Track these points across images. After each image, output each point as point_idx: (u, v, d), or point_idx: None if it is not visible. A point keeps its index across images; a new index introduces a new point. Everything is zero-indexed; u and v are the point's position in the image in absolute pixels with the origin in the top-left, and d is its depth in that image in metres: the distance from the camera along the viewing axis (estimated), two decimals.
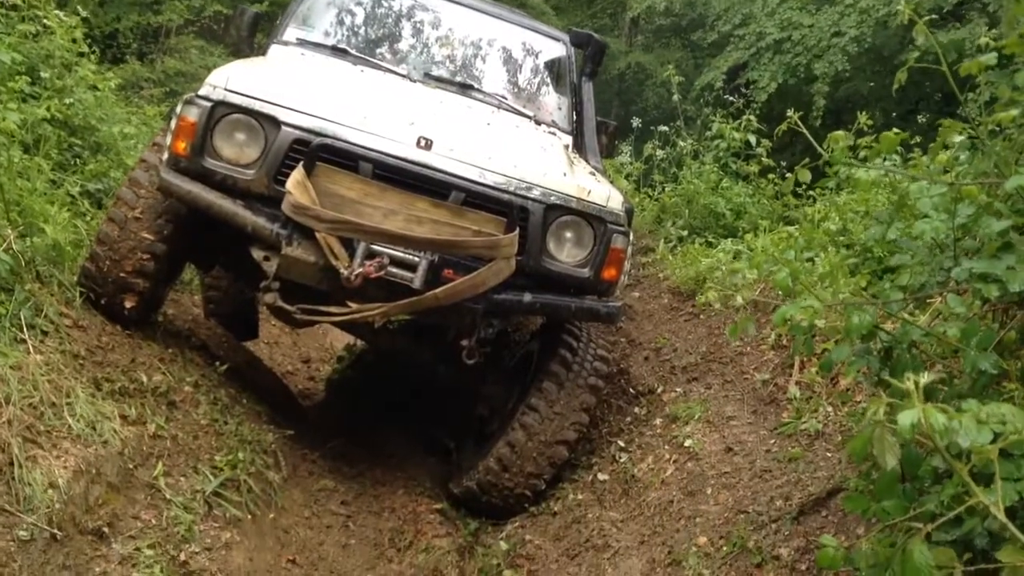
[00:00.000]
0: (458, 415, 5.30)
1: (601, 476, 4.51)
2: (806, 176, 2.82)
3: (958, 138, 2.93)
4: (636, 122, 10.34)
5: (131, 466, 3.54)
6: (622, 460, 4.53)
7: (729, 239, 6.76)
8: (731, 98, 9.79)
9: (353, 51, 5.02)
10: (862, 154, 3.15)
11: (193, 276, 6.28)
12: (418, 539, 4.26)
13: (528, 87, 5.55)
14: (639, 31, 21.36)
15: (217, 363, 4.68)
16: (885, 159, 4.63)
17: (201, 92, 3.95)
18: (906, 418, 1.74)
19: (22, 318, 3.62)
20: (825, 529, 3.22)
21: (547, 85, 5.64)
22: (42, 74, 5.81)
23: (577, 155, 5.01)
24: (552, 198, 4.11)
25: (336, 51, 4.98)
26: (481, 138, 4.32)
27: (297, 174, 3.81)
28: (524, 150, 4.41)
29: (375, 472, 4.99)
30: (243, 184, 3.94)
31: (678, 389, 4.95)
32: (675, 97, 9.66)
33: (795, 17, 12.47)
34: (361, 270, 3.83)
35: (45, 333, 3.73)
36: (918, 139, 5.86)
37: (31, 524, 2.94)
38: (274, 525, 4.04)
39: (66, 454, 3.25)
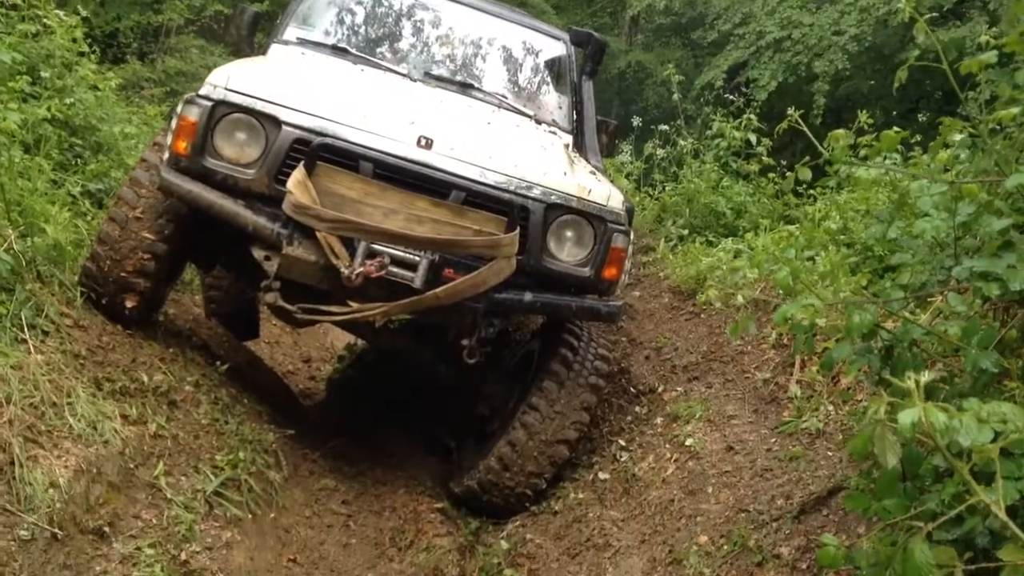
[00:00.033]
0: (459, 414, 5.31)
1: (602, 475, 4.51)
2: (806, 174, 2.82)
3: (958, 136, 2.93)
4: (636, 121, 10.35)
5: (132, 465, 3.54)
6: (623, 459, 4.53)
7: (730, 238, 6.76)
8: (731, 97, 9.79)
9: (353, 50, 5.01)
10: (862, 153, 3.15)
11: (194, 276, 6.29)
12: (419, 538, 4.26)
13: (528, 86, 5.55)
14: (639, 30, 21.36)
15: (218, 363, 4.68)
16: (885, 158, 4.63)
17: (202, 92, 3.95)
18: (907, 417, 1.74)
19: (23, 318, 3.62)
20: (826, 528, 3.22)
21: (547, 84, 5.64)
22: (42, 74, 5.81)
23: (577, 154, 5.01)
24: (553, 197, 4.11)
25: (336, 50, 4.98)
26: (481, 137, 4.32)
27: (298, 173, 3.81)
28: (524, 149, 4.41)
29: (376, 471, 4.99)
30: (244, 184, 3.94)
31: (679, 388, 4.95)
32: (675, 96, 9.67)
33: (795, 16, 12.47)
34: (362, 269, 3.83)
35: (46, 333, 3.73)
36: (918, 138, 5.87)
37: (32, 523, 2.94)
38: (275, 524, 4.04)
39: (67, 454, 3.26)
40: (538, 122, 5.12)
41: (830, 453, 3.73)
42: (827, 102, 11.70)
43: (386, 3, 5.56)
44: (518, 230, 3.97)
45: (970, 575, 1.96)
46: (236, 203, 3.92)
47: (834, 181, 6.25)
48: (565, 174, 4.22)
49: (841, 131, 2.83)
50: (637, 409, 4.96)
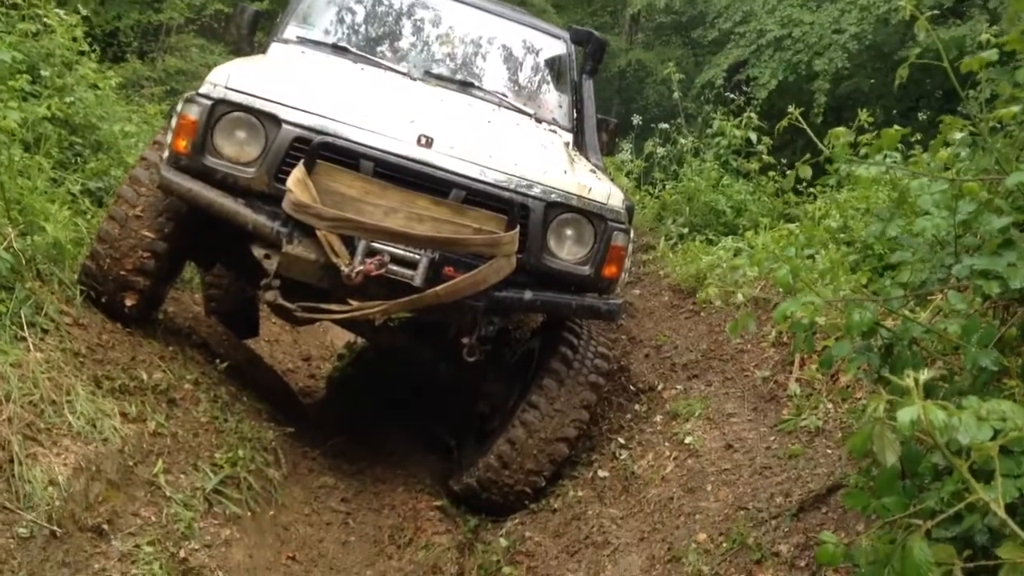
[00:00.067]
0: (459, 413, 5.31)
1: (601, 473, 4.51)
2: (807, 172, 2.82)
3: (959, 135, 2.93)
4: (636, 120, 10.34)
5: (131, 463, 3.54)
6: (622, 457, 4.53)
7: (730, 236, 6.76)
8: (732, 95, 9.79)
9: (353, 49, 5.01)
10: (863, 151, 3.15)
11: (194, 274, 6.29)
12: (418, 536, 4.26)
13: (528, 85, 5.55)
14: (639, 28, 21.37)
15: (217, 361, 4.68)
16: (886, 156, 4.63)
17: (202, 90, 3.95)
18: (906, 415, 1.74)
19: (22, 316, 3.63)
20: (825, 526, 3.22)
21: (547, 83, 5.64)
22: (43, 73, 5.81)
23: (578, 153, 5.02)
24: (553, 196, 4.11)
25: (336, 49, 4.97)
26: (482, 136, 4.32)
27: (298, 172, 3.81)
28: (525, 148, 4.41)
29: (375, 469, 4.99)
30: (244, 182, 3.94)
31: (678, 386, 4.95)
32: (676, 95, 9.67)
33: (796, 14, 12.48)
34: (362, 268, 3.83)
35: (45, 331, 3.73)
36: (919, 136, 5.86)
37: (31, 521, 2.94)
38: (274, 522, 4.04)
39: (66, 451, 3.26)
40: (538, 121, 5.12)
41: (829, 451, 3.73)
42: (827, 100, 11.70)
43: (386, 2, 5.56)
44: (518, 228, 3.97)
45: (969, 573, 1.96)
46: (236, 201, 3.92)
47: (834, 179, 6.24)
48: (565, 172, 4.22)
49: (841, 129, 2.84)
50: (637, 407, 4.96)
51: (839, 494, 3.27)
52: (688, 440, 4.30)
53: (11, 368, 3.32)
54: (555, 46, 5.72)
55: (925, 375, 1.81)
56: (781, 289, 2.75)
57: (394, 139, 3.95)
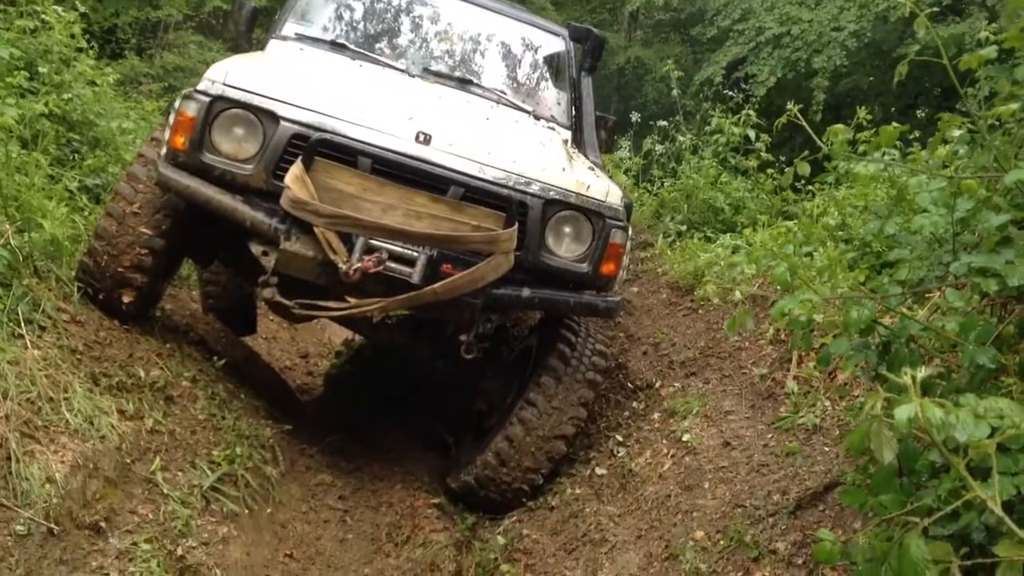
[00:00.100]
0: (456, 410, 5.31)
1: (599, 471, 4.51)
2: (805, 169, 2.82)
3: (957, 132, 2.93)
4: (635, 117, 10.32)
5: (128, 461, 3.54)
6: (620, 455, 4.54)
7: (728, 234, 6.76)
8: (730, 93, 9.78)
9: (352, 46, 5.01)
10: (861, 149, 3.15)
11: (191, 271, 6.28)
12: (416, 534, 4.26)
13: (527, 82, 5.55)
14: (638, 26, 21.37)
15: (215, 358, 4.68)
16: (884, 153, 4.63)
17: (199, 87, 3.94)
18: (903, 412, 1.74)
19: (20, 313, 3.62)
20: (822, 523, 3.22)
21: (546, 80, 5.64)
22: (40, 69, 5.81)
23: (576, 150, 5.01)
24: (551, 193, 4.11)
25: (335, 46, 4.97)
26: (480, 133, 4.31)
27: (296, 169, 3.80)
28: (523, 145, 4.40)
29: (373, 467, 4.99)
30: (242, 179, 3.93)
31: (676, 384, 4.95)
32: (674, 92, 9.66)
33: (794, 12, 12.48)
34: (360, 265, 3.82)
35: (43, 328, 3.72)
36: (917, 134, 5.87)
37: (28, 519, 2.94)
38: (271, 520, 4.04)
39: (63, 449, 3.25)
40: (537, 118, 5.12)
41: (827, 449, 3.73)
42: (826, 98, 11.71)
43: None
44: (516, 226, 3.97)
45: (966, 571, 1.96)
46: (234, 198, 3.92)
47: (833, 177, 6.24)
48: (564, 170, 4.21)
49: (840, 126, 2.84)
50: (634, 405, 4.96)
51: (836, 492, 3.27)
52: (686, 438, 4.30)
53: (8, 365, 3.32)
54: (554, 43, 5.71)
55: (923, 373, 1.81)
56: (779, 287, 2.75)
57: (392, 136, 3.95)
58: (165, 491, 3.57)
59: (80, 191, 5.40)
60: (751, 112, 8.02)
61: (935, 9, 8.49)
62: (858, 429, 1.99)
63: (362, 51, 5.00)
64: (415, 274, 3.90)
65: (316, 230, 3.84)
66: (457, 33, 5.43)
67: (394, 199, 3.89)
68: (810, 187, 6.77)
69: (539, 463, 4.40)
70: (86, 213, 5.16)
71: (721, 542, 3.47)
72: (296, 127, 3.89)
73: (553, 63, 5.68)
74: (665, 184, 8.29)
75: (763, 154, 7.72)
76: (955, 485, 2.05)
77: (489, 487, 4.44)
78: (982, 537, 2.08)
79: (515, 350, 5.18)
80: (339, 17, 5.38)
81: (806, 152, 2.90)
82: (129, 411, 3.73)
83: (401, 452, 5.24)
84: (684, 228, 7.32)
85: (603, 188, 4.22)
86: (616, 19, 21.71)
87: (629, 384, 5.17)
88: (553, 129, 5.09)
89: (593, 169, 4.57)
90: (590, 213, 4.16)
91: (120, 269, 4.11)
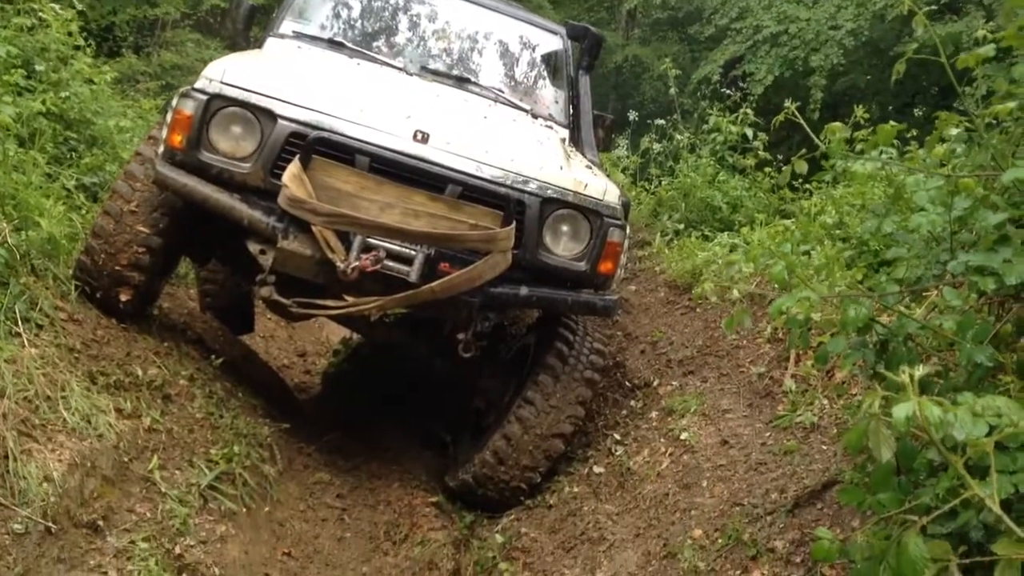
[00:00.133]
0: (454, 408, 5.31)
1: (597, 469, 4.51)
2: (803, 168, 2.82)
3: (955, 131, 2.93)
4: (633, 115, 10.32)
5: (126, 459, 3.53)
6: (618, 453, 4.54)
7: (725, 232, 6.76)
8: (728, 91, 9.78)
9: (349, 44, 5.00)
10: (859, 147, 3.15)
11: (189, 269, 6.28)
12: (414, 532, 4.26)
13: (525, 80, 5.54)
14: (636, 24, 21.37)
15: (213, 357, 4.67)
16: (882, 152, 4.63)
17: (197, 85, 3.93)
18: (901, 411, 1.74)
19: (17, 312, 3.61)
20: (820, 522, 3.23)
21: (544, 78, 5.63)
22: (38, 68, 5.79)
23: (574, 149, 5.01)
24: (549, 192, 4.11)
25: (332, 44, 4.96)
26: (478, 131, 4.31)
27: (293, 167, 3.80)
28: (521, 144, 4.40)
29: (371, 465, 4.99)
30: (239, 177, 3.93)
31: (674, 382, 4.95)
32: (672, 90, 9.65)
33: (792, 10, 12.50)
34: (357, 263, 3.82)
35: (40, 327, 3.72)
36: (915, 132, 5.86)
37: (26, 517, 2.94)
38: (269, 518, 4.04)
39: (61, 447, 3.25)
40: (534, 116, 5.11)
41: (824, 447, 3.73)
42: (824, 96, 11.72)
43: None
44: (514, 224, 3.97)
45: (964, 569, 1.96)
46: (231, 197, 3.91)
47: (830, 175, 6.24)
48: (561, 168, 4.21)
49: (838, 124, 2.83)
50: (632, 403, 4.96)
51: (834, 490, 3.28)
52: (684, 436, 4.30)
53: (5, 364, 3.31)
54: (551, 42, 5.71)
55: (920, 371, 1.82)
56: (777, 285, 2.75)
57: (390, 134, 3.94)
58: (163, 489, 3.57)
59: (77, 189, 5.39)
60: (749, 111, 8.02)
61: (933, 7, 8.49)
62: (856, 427, 1.99)
63: (360, 49, 5.00)
64: (413, 273, 3.89)
65: (314, 228, 3.84)
66: (455, 31, 5.42)
67: (392, 198, 3.89)
68: (808, 186, 6.77)
69: (537, 461, 4.40)
70: (83, 211, 5.15)
71: (719, 540, 3.48)
72: (294, 125, 3.89)
73: (551, 61, 5.67)
74: (663, 183, 8.29)
75: (761, 153, 7.72)
76: (953, 483, 2.05)
77: (487, 485, 4.44)
78: (980, 535, 2.08)
79: (513, 348, 5.18)
80: (337, 15, 5.37)
81: (804, 150, 2.90)
82: (127, 410, 3.73)
83: (399, 450, 5.24)
84: (682, 227, 7.32)
85: (601, 187, 4.22)
86: (614, 17, 21.72)
87: (627, 383, 5.18)
88: (551, 128, 5.09)
89: (591, 168, 4.57)
90: (588, 212, 4.16)
91: (118, 267, 4.10)
